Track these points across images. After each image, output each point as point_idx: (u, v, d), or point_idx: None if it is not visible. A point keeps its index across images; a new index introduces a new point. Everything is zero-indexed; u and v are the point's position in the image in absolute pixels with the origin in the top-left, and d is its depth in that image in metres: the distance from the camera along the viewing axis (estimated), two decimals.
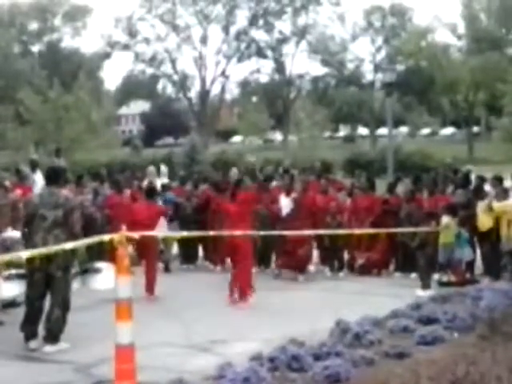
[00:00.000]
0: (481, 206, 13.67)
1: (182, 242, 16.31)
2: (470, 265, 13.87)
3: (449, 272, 13.69)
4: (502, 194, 13.70)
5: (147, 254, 13.23)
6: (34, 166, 19.06)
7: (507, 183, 15.65)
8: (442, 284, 13.38)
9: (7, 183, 15.63)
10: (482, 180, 15.43)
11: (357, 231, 14.57)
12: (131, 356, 7.18)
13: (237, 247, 12.42)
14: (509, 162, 35.28)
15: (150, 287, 12.92)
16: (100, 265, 13.57)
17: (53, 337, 9.25)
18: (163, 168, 22.14)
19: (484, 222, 13.52)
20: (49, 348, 9.18)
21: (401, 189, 15.92)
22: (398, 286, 13.54)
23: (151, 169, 20.59)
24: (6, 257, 9.65)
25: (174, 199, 16.35)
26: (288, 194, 15.09)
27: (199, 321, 10.77)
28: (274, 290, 13.47)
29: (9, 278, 11.48)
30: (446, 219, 13.27)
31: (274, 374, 6.91)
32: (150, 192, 14.20)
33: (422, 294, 12.38)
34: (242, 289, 12.37)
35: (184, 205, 16.52)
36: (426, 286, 12.85)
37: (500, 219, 13.42)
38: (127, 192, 16.37)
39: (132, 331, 7.27)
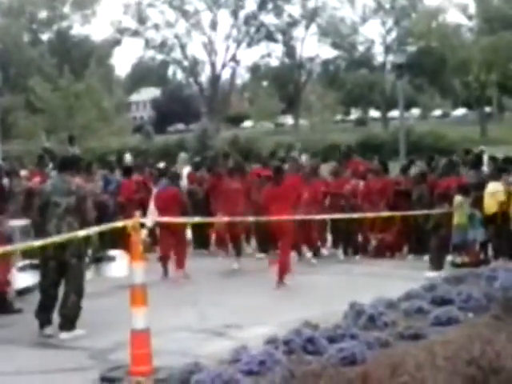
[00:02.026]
0: (491, 189, 13.55)
1: (195, 228, 16.35)
2: (484, 245, 13.84)
3: (463, 253, 13.66)
4: None
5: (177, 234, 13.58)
6: (49, 154, 19.12)
7: None
8: (455, 265, 13.36)
9: (23, 172, 15.70)
10: (494, 160, 15.37)
11: (370, 214, 14.55)
12: (147, 341, 7.21)
13: (282, 231, 12.62)
14: None
15: (180, 263, 13.34)
16: (114, 253, 13.62)
17: (69, 323, 9.29)
18: (183, 155, 22.18)
19: (490, 205, 13.42)
20: (65, 335, 9.23)
21: (414, 171, 15.89)
22: (412, 268, 13.54)
23: (183, 155, 20.81)
24: (20, 246, 9.71)
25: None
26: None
27: (214, 305, 10.80)
28: (289, 274, 13.49)
29: (23, 268, 11.53)
30: (458, 199, 13.23)
31: (289, 356, 6.91)
32: (174, 177, 14.53)
33: (431, 275, 12.36)
34: (281, 270, 12.51)
35: (195, 190, 16.56)
36: (435, 267, 12.80)
37: (510, 200, 13.35)
38: (139, 178, 16.39)
39: (147, 316, 7.31)
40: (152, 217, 14.58)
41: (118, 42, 79.11)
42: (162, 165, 18.87)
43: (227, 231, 15.08)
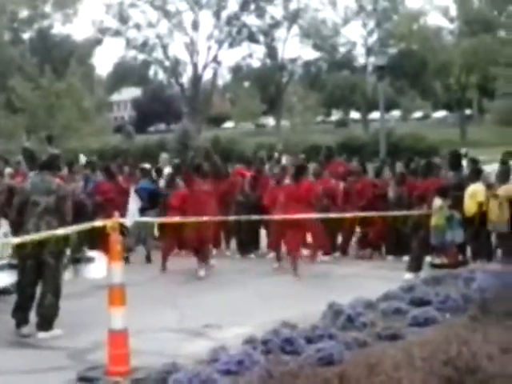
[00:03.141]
0: (471, 191, 13.61)
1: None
2: (462, 247, 13.91)
3: (441, 254, 13.72)
4: (505, 175, 13.68)
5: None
6: (28, 154, 18.94)
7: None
8: (434, 266, 13.42)
9: (8, 170, 15.61)
10: (475, 163, 15.45)
11: (349, 215, 14.60)
12: (125, 341, 7.21)
13: (299, 226, 13.37)
14: (501, 144, 35.31)
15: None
16: (92, 254, 13.57)
17: (46, 323, 9.26)
18: (164, 155, 22.16)
19: (469, 207, 13.49)
20: (42, 334, 9.19)
21: (387, 172, 16.05)
22: (390, 269, 13.59)
23: (164, 156, 20.79)
24: None
25: (148, 187, 16.13)
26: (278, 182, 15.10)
27: (192, 306, 10.81)
28: (267, 274, 13.51)
29: (1, 267, 11.46)
30: (437, 201, 13.29)
31: (267, 356, 6.93)
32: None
33: (408, 276, 12.41)
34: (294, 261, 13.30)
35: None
36: (413, 268, 12.84)
37: (490, 202, 13.42)
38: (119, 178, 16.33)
39: (125, 316, 7.30)
40: (131, 217, 14.52)
41: (99, 42, 78.79)
42: (145, 165, 18.69)
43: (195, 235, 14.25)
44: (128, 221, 9.13)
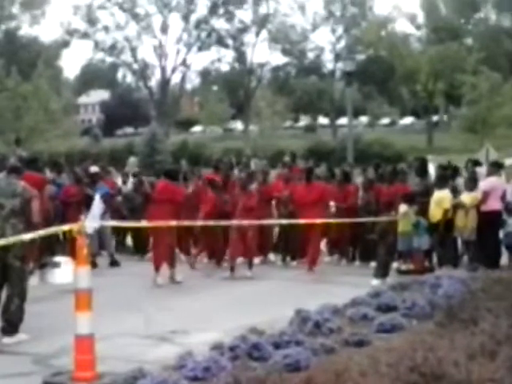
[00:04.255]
0: (436, 197, 13.70)
1: (135, 233, 16.43)
2: (429, 253, 14.00)
3: (408, 260, 13.80)
4: (472, 183, 13.78)
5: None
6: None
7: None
8: (401, 272, 13.50)
9: None
10: (443, 169, 15.54)
11: (318, 221, 14.62)
12: (91, 346, 7.16)
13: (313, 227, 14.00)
14: (467, 151, 35.62)
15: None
16: (58, 259, 13.50)
17: (12, 328, 9.15)
18: (133, 159, 22.10)
19: (435, 214, 13.58)
20: (7, 339, 9.08)
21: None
22: (358, 275, 13.64)
23: (132, 159, 20.72)
24: None
25: (106, 191, 16.01)
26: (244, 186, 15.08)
27: (160, 311, 10.76)
28: (235, 280, 13.49)
29: None
30: (403, 208, 13.37)
31: (234, 363, 6.92)
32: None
33: (375, 282, 12.46)
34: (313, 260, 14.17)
35: (132, 195, 16.65)
36: (379, 274, 12.88)
37: (456, 209, 13.52)
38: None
39: (92, 321, 7.24)
40: (93, 221, 14.44)
41: (67, 44, 78.41)
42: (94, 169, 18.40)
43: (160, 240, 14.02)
44: (89, 225, 9.06)
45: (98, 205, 15.22)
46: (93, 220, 13.38)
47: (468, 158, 19.60)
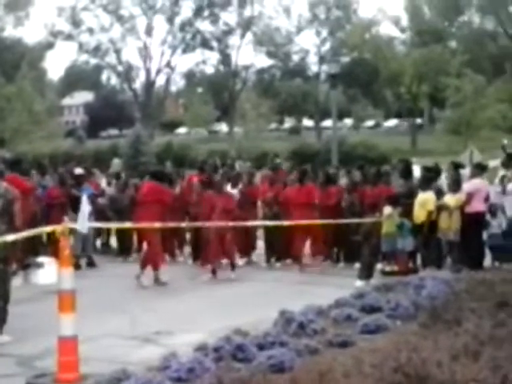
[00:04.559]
0: (420, 199, 13.72)
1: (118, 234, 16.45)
2: (413, 254, 14.03)
3: (392, 261, 13.83)
4: (455, 185, 13.81)
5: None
6: None
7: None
8: (385, 273, 13.52)
9: None
10: (427, 171, 15.55)
11: (303, 222, 14.62)
12: (74, 348, 7.13)
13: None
14: (451, 153, 35.75)
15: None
16: (42, 259, 13.44)
17: None
18: (117, 161, 22.07)
19: (419, 215, 13.60)
20: None
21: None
22: (342, 276, 13.66)
23: (116, 161, 20.70)
24: None
25: (91, 192, 15.98)
26: (234, 185, 15.17)
27: (144, 312, 10.74)
28: (219, 282, 13.48)
29: None
30: (387, 209, 13.40)
31: (218, 364, 6.91)
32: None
33: (359, 284, 12.48)
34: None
35: (118, 197, 16.62)
36: (364, 276, 12.90)
37: (440, 211, 13.56)
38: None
39: (75, 323, 7.22)
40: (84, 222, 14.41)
41: (51, 46, 78.11)
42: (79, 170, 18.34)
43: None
44: (80, 226, 9.05)
45: (86, 205, 15.24)
46: (83, 221, 13.38)
47: (451, 160, 19.67)
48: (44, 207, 15.16)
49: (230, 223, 13.83)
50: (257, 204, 16.05)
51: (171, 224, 13.97)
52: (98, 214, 15.72)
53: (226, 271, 13.93)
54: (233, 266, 14.00)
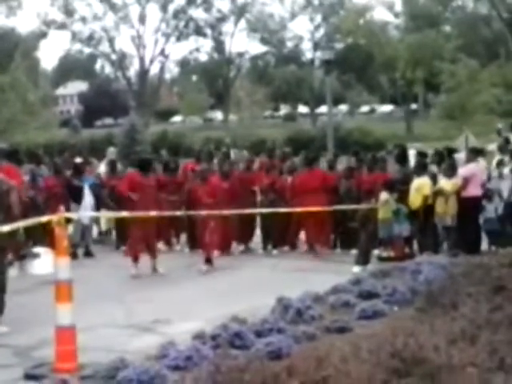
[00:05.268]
0: (416, 184, 13.72)
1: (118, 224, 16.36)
2: (409, 240, 14.05)
3: (388, 247, 13.84)
4: (450, 170, 13.80)
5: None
6: None
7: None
8: (381, 259, 13.53)
9: None
10: (422, 156, 15.55)
11: (298, 209, 14.61)
12: (72, 337, 7.14)
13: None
14: (446, 138, 35.72)
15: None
16: (38, 250, 13.43)
17: None
18: (112, 149, 21.98)
19: (414, 200, 13.61)
20: None
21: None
22: (339, 263, 13.67)
23: (112, 150, 20.67)
24: None
25: (93, 181, 15.98)
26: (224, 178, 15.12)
27: (141, 301, 10.74)
28: (215, 270, 13.48)
29: None
30: (383, 195, 13.40)
31: (216, 351, 6.92)
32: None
33: (357, 270, 12.50)
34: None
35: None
36: (361, 262, 12.92)
37: (436, 196, 13.57)
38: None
39: (73, 312, 7.22)
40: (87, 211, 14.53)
41: (44, 35, 77.76)
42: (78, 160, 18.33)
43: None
44: (83, 216, 9.07)
45: (88, 195, 15.32)
46: (86, 210, 13.42)
47: (446, 145, 19.66)
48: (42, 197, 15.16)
49: (225, 212, 13.83)
50: (255, 191, 15.97)
51: (167, 213, 13.98)
52: (101, 203, 15.82)
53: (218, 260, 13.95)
54: (208, 259, 13.64)
